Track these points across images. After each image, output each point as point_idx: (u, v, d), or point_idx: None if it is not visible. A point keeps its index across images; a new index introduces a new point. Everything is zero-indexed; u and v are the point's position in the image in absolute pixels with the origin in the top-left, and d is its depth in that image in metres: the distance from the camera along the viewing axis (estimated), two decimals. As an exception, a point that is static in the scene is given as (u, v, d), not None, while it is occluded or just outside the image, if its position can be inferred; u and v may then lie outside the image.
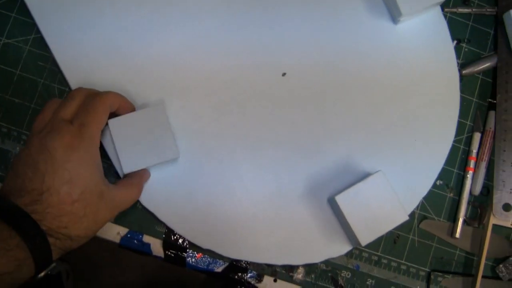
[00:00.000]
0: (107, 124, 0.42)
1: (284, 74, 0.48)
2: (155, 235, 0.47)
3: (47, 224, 0.36)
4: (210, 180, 0.47)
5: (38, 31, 0.48)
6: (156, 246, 0.47)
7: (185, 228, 0.46)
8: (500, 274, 0.49)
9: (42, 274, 0.36)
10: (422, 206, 0.49)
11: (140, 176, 0.45)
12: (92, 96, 0.41)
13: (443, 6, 0.51)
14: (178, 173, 0.47)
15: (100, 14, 0.48)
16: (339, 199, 0.45)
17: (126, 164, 0.43)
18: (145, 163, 0.43)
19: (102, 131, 0.42)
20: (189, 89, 0.48)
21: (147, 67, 0.48)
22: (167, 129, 0.44)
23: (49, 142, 0.38)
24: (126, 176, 0.44)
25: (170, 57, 0.48)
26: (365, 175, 0.47)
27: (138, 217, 0.47)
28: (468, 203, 0.50)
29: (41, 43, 0.48)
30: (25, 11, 0.48)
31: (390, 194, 0.45)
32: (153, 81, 0.48)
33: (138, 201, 0.46)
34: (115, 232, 0.47)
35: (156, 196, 0.46)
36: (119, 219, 0.47)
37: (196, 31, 0.49)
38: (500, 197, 0.49)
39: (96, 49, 0.48)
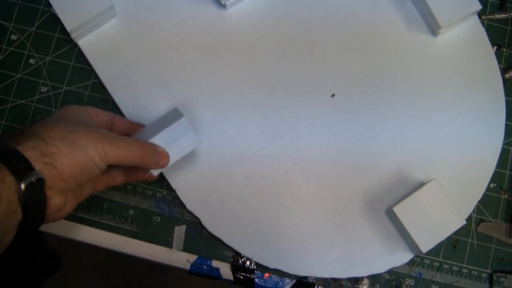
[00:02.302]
0: None
1: (333, 95, 0.50)
2: (223, 259, 0.49)
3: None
4: (271, 202, 0.49)
5: (96, 76, 0.51)
6: (225, 270, 0.49)
7: (251, 250, 0.48)
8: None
9: (23, 185, 0.32)
10: (478, 209, 0.50)
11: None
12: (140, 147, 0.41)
13: (480, 14, 0.52)
14: (241, 198, 0.49)
15: (151, 54, 0.51)
16: (397, 210, 0.47)
17: None
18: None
19: None
20: (232, 110, 0.50)
21: (196, 99, 0.51)
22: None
23: None
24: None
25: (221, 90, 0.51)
26: (419, 184, 0.48)
27: (206, 243, 0.49)
28: (523, 202, 0.51)
29: (99, 87, 0.51)
30: (82, 59, 0.51)
31: (445, 201, 0.47)
32: (207, 113, 0.50)
33: (204, 228, 0.49)
34: (184, 260, 0.49)
35: (221, 222, 0.49)
36: (187, 247, 0.49)
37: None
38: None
39: (152, 86, 0.50)
